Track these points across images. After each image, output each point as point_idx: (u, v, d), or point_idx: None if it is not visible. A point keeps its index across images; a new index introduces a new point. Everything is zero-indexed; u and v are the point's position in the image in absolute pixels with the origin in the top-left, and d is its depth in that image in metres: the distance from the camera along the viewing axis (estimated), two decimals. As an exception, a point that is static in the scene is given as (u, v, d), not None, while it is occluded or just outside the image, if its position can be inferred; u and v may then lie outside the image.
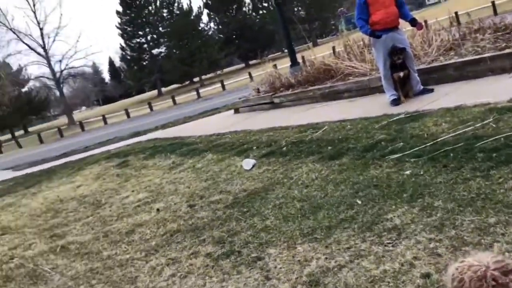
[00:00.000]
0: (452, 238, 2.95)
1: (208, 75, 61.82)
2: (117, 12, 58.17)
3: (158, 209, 5.56)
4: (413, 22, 7.02)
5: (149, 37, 59.32)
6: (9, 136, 49.76)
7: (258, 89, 11.92)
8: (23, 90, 55.85)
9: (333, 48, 12.42)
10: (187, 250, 4.10)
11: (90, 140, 20.16)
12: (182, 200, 5.65)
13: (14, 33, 49.22)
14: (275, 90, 10.99)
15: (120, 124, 28.57)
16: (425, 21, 11.37)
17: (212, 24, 63.62)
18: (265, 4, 60.89)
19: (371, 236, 3.32)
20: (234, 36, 61.79)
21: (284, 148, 6.35)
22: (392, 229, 3.31)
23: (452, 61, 7.43)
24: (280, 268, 3.30)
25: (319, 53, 12.67)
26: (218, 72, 64.08)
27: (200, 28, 59.59)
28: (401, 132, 5.32)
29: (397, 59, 6.80)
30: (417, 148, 4.62)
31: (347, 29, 13.78)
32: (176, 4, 59.10)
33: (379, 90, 7.71)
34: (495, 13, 24.40)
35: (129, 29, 58.64)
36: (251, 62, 58.35)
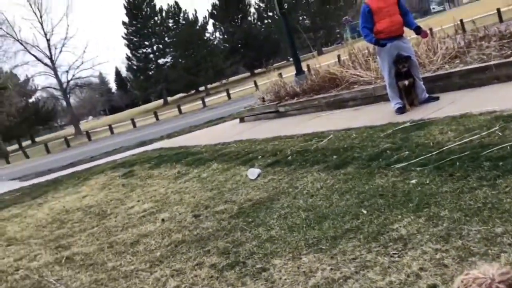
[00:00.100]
0: (458, 249, 2.91)
1: (214, 84, 62.10)
2: (123, 23, 58.68)
3: (163, 219, 5.55)
4: (418, 30, 7.01)
5: (155, 47, 59.73)
6: (16, 146, 50.07)
7: (263, 98, 11.92)
8: (30, 100, 56.25)
9: (338, 56, 12.44)
10: (191, 261, 4.08)
11: (96, 150, 20.23)
12: (187, 210, 5.64)
13: (21, 44, 49.76)
14: (280, 99, 10.99)
15: (126, 134, 28.67)
16: (430, 29, 11.39)
17: (217, 34, 64.11)
18: (270, 14, 61.18)
19: (377, 246, 3.28)
20: (239, 45, 62.11)
21: (289, 157, 6.33)
22: (398, 239, 3.28)
23: (458, 69, 7.40)
24: (285, 279, 3.27)
25: (324, 62, 12.69)
26: (224, 81, 64.35)
27: (205, 37, 59.98)
28: (406, 141, 5.29)
29: (402, 67, 6.78)
30: (422, 157, 4.59)
31: (352, 37, 13.81)
32: (181, 14, 59.54)
33: (384, 98, 7.69)
34: (501, 20, 24.33)
35: (135, 39, 59.07)
36: (256, 71, 58.60)
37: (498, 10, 26.16)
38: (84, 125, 68.87)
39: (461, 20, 16.50)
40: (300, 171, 5.64)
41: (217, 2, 61.79)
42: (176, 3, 59.60)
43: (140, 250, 4.79)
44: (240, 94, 34.91)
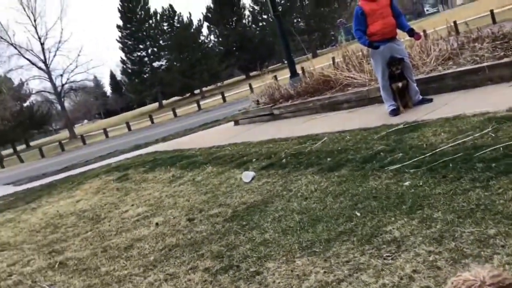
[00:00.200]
0: (451, 251, 2.91)
1: (209, 87, 62.06)
2: (118, 26, 58.61)
3: (157, 223, 5.53)
4: (411, 33, 7.03)
5: (149, 50, 59.67)
6: (11, 150, 49.82)
7: (257, 100, 11.92)
8: (25, 104, 56.01)
9: (333, 58, 12.44)
10: (185, 265, 4.06)
11: (91, 153, 20.16)
12: (181, 213, 5.62)
13: (15, 48, 49.60)
14: (275, 102, 10.99)
15: (121, 137, 28.60)
16: (424, 31, 11.42)
17: (212, 37, 64.12)
18: (265, 16, 61.24)
19: (370, 249, 3.28)
20: (234, 48, 62.14)
21: (284, 160, 6.33)
22: (391, 241, 3.27)
23: (451, 70, 7.43)
24: (279, 283, 3.26)
25: (318, 64, 12.71)
26: (219, 84, 64.34)
27: (200, 40, 59.96)
28: (400, 143, 5.30)
29: (396, 69, 6.80)
30: (416, 159, 4.59)
31: (346, 39, 13.83)
32: (176, 18, 59.53)
33: (378, 100, 7.70)
34: (494, 21, 24.46)
35: (129, 42, 59.01)
36: (251, 74, 58.56)
37: (492, 11, 26.31)
38: (79, 128, 68.71)
39: (454, 22, 16.58)
40: (294, 173, 5.63)
41: (212, 5, 61.81)
42: (171, 6, 59.67)
43: (133, 254, 4.76)
44: (235, 97, 34.93)
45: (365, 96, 8.43)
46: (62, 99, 54.91)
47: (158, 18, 59.30)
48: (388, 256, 3.10)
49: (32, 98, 59.66)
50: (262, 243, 3.98)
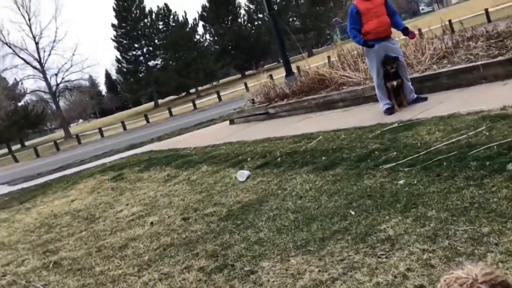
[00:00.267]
0: (445, 249, 2.91)
1: (205, 86, 61.99)
2: (113, 25, 58.42)
3: (152, 223, 5.52)
4: (406, 31, 7.04)
5: (145, 50, 59.50)
6: (5, 150, 49.58)
7: (253, 99, 11.91)
8: (20, 104, 55.79)
9: (328, 57, 12.45)
10: (180, 265, 4.05)
11: (86, 153, 20.10)
12: (176, 213, 5.61)
13: (9, 47, 49.40)
14: (270, 101, 10.99)
15: (117, 137, 28.53)
16: (419, 30, 11.44)
17: (207, 36, 64.05)
18: (260, 15, 61.24)
19: (365, 247, 3.28)
20: (229, 47, 62.07)
21: (279, 159, 6.33)
22: (385, 240, 3.28)
23: (445, 69, 7.44)
24: (273, 281, 3.26)
25: (314, 63, 12.70)
26: (214, 83, 64.28)
27: (195, 39, 59.85)
28: (394, 141, 5.30)
29: (390, 68, 6.80)
30: (410, 157, 4.60)
31: (341, 38, 13.85)
32: (171, 17, 59.42)
33: (373, 99, 7.71)
34: (489, 20, 24.53)
35: (124, 41, 58.83)
36: (247, 73, 58.57)
37: (486, 10, 26.39)
38: (74, 128, 68.49)
39: (449, 21, 16.62)
40: (289, 172, 5.63)
41: (207, 4, 61.73)
42: (166, 5, 59.53)
43: (128, 254, 4.75)
44: (230, 96, 34.90)
45: (360, 95, 8.44)
46: (57, 99, 54.73)
47: (153, 17, 59.16)
48: (382, 254, 3.11)
49: (27, 97, 59.55)
50: (257, 242, 3.98)
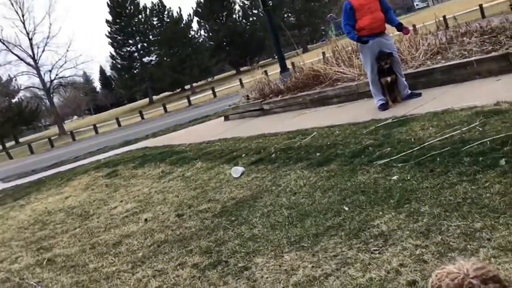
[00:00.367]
0: (438, 244, 2.92)
1: (199, 83, 61.86)
2: (107, 21, 58.12)
3: (146, 219, 5.51)
4: (400, 27, 7.04)
5: (139, 46, 59.25)
6: (-1, 147, 49.40)
7: (247, 96, 11.90)
8: (13, 100, 55.47)
9: (323, 53, 12.43)
10: (173, 261, 4.05)
11: (80, 150, 20.04)
12: (171, 209, 5.60)
13: (3, 43, 49.07)
14: (265, 97, 10.98)
15: (111, 133, 28.44)
16: (414, 26, 11.42)
17: (202, 32, 63.81)
18: (255, 11, 61.06)
19: (358, 243, 3.29)
20: (224, 43, 61.94)
21: (273, 155, 6.32)
22: (378, 235, 3.28)
23: (439, 65, 7.45)
24: (267, 277, 3.26)
25: (308, 59, 12.68)
26: (209, 79, 64.13)
27: (190, 35, 59.64)
28: (388, 137, 5.31)
29: (384, 64, 6.80)
30: (404, 153, 4.61)
31: (336, 34, 13.83)
32: (166, 12, 59.14)
33: (367, 95, 7.71)
34: (483, 16, 24.57)
35: (119, 37, 58.55)
36: (242, 69, 58.44)
37: (481, 6, 26.41)
38: (68, 125, 68.23)
39: (444, 16, 16.64)
40: (283, 168, 5.63)
41: (202, 0, 61.51)
42: (160, 1, 59.21)
43: (122, 250, 4.74)
44: (225, 92, 34.83)
45: (354, 90, 8.44)
46: (51, 95, 54.50)
47: (147, 13, 58.87)
48: (375, 250, 3.11)
49: (21, 94, 59.28)
50: (251, 239, 3.98)
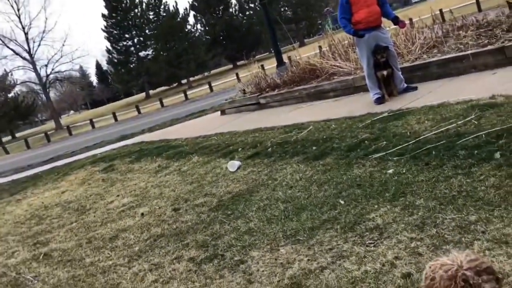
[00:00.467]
0: (433, 237, 2.94)
1: (196, 77, 61.68)
2: (103, 15, 57.85)
3: (142, 214, 5.51)
4: (396, 21, 7.03)
5: (135, 40, 59.02)
6: (-4, 142, 49.23)
7: (244, 90, 11.88)
8: (9, 95, 55.21)
9: (320, 47, 12.42)
10: (170, 255, 4.06)
11: (77, 144, 20.00)
12: (167, 204, 5.61)
13: (-1, 38, 48.75)
14: (261, 91, 10.97)
15: (108, 128, 28.39)
16: (410, 19, 11.42)
17: (198, 26, 63.55)
18: (252, 5, 60.89)
19: (353, 236, 3.30)
20: (221, 37, 61.75)
21: (269, 149, 6.33)
22: (374, 229, 3.30)
23: (435, 58, 7.45)
24: (263, 271, 3.27)
25: (305, 53, 12.67)
26: (206, 73, 63.95)
27: (186, 29, 59.41)
28: (384, 131, 5.32)
29: (381, 57, 6.80)
30: (400, 147, 4.62)
31: (333, 28, 13.79)
32: (162, 7, 58.88)
33: (364, 89, 7.71)
34: (479, 9, 24.57)
35: (115, 32, 58.30)
36: (238, 63, 58.29)
37: (477, -1, 26.40)
38: (65, 119, 68.09)
39: (440, 10, 16.62)
40: (279, 162, 5.63)
41: (198, -6, 61.28)
42: (157, -5, 58.96)
43: (118, 245, 4.75)
44: (222, 86, 34.77)
45: (350, 84, 8.44)
46: (48, 90, 54.27)
47: (144, 7, 58.58)
48: (371, 243, 3.13)
49: (17, 88, 58.95)
50: (247, 232, 3.99)
